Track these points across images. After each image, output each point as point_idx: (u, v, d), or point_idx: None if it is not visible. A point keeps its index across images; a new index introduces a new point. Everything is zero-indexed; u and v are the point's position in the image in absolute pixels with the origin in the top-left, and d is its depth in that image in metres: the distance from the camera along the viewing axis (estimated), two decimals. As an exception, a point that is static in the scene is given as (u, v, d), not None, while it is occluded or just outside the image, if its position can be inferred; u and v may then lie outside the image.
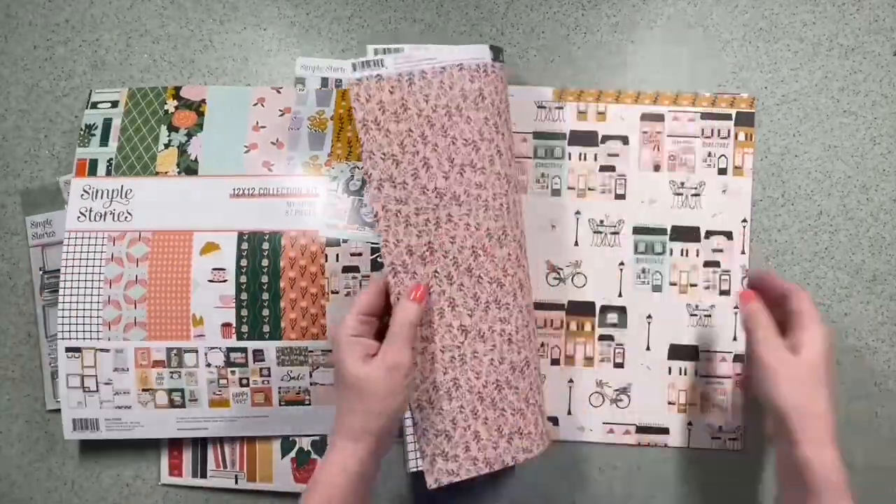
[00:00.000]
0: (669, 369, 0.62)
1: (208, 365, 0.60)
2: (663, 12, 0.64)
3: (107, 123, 0.63)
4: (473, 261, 0.53)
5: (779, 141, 0.63)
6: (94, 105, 0.63)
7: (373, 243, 0.61)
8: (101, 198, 0.61)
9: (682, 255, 0.62)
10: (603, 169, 0.62)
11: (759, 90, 0.63)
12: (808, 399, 0.47)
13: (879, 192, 0.63)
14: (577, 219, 0.62)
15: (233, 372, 0.60)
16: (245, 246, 0.61)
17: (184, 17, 0.66)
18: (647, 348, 0.62)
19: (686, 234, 0.62)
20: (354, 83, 0.52)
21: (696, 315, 0.62)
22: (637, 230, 0.62)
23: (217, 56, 0.65)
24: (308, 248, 0.61)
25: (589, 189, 0.62)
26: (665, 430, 0.61)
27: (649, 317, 0.62)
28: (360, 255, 0.61)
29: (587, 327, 0.62)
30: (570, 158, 0.63)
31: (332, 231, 0.61)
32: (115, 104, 0.63)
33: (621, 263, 0.62)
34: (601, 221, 0.62)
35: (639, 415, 0.61)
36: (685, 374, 0.62)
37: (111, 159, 0.62)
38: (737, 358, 0.61)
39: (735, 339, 0.61)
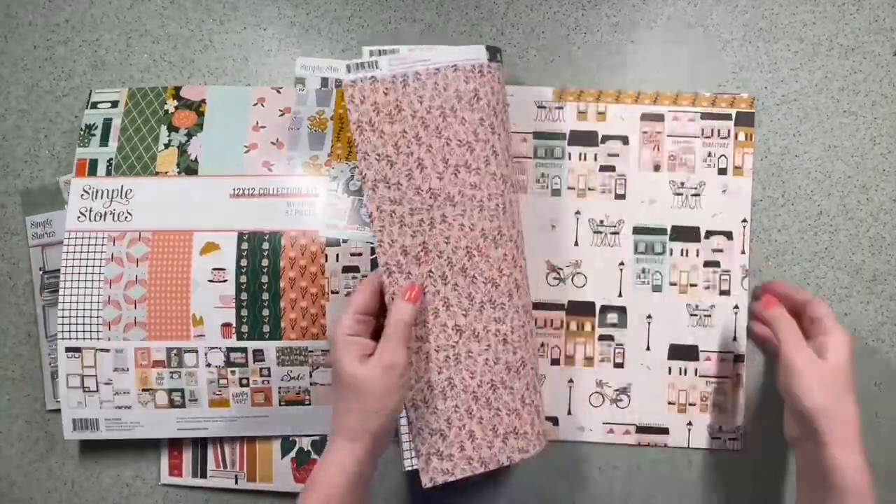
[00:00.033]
0: (669, 369, 0.61)
1: (208, 365, 0.60)
2: (663, 12, 0.64)
3: (107, 123, 0.63)
4: (468, 261, 0.53)
5: (779, 141, 0.63)
6: (94, 105, 0.63)
7: (372, 243, 0.61)
8: (101, 198, 0.61)
9: (682, 255, 0.62)
10: (603, 169, 0.62)
11: (759, 90, 0.63)
12: (838, 402, 0.48)
13: (879, 192, 0.63)
14: (577, 219, 0.62)
15: (233, 372, 0.60)
16: (245, 246, 0.61)
17: (184, 17, 0.66)
18: (647, 348, 0.62)
19: (686, 234, 0.62)
20: (349, 85, 0.53)
21: (696, 315, 0.62)
22: (637, 230, 0.62)
23: (217, 56, 0.65)
24: (308, 248, 0.61)
25: (589, 189, 0.62)
26: (665, 430, 0.61)
27: (649, 317, 0.62)
28: (360, 255, 0.61)
29: (587, 327, 0.62)
30: (570, 158, 0.63)
31: (332, 231, 0.61)
32: (115, 104, 0.63)
33: (621, 263, 0.62)
34: (601, 221, 0.62)
35: (639, 415, 0.61)
36: (685, 374, 0.61)
37: (111, 159, 0.62)
38: (737, 358, 0.61)
39: (735, 339, 0.61)
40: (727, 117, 0.62)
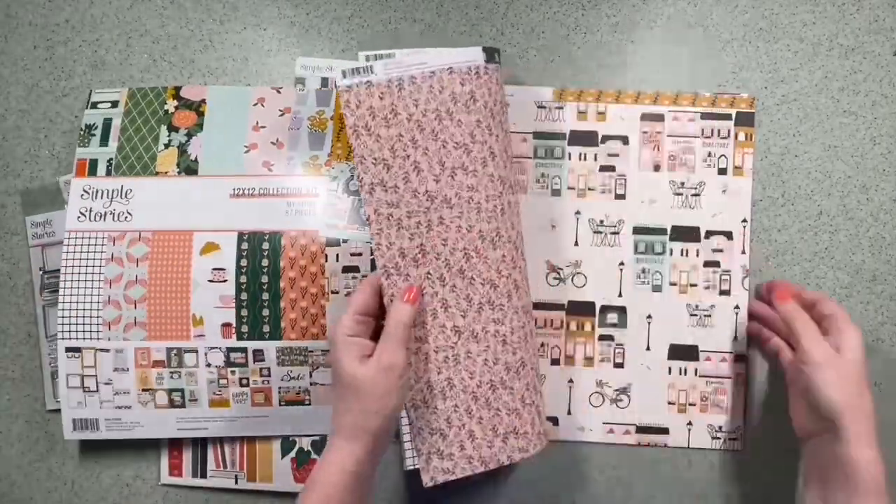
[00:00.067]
0: (669, 369, 0.61)
1: (208, 365, 0.60)
2: (663, 12, 0.64)
3: (107, 123, 0.63)
4: (466, 262, 0.53)
5: (779, 141, 0.63)
6: (94, 105, 0.63)
7: (372, 243, 0.61)
8: (101, 198, 0.61)
9: (682, 255, 0.62)
10: (603, 169, 0.62)
11: (759, 90, 0.63)
12: (859, 399, 0.49)
13: (879, 192, 0.63)
14: (577, 219, 0.62)
15: (233, 372, 0.60)
16: (245, 246, 0.61)
17: (184, 17, 0.66)
18: (647, 348, 0.62)
19: (686, 234, 0.62)
20: (344, 90, 0.53)
21: (696, 315, 0.61)
22: (637, 230, 0.62)
23: (217, 56, 0.65)
24: (308, 248, 0.61)
25: (589, 189, 0.62)
26: (665, 430, 0.61)
27: (649, 317, 0.62)
28: (360, 255, 0.61)
29: (587, 327, 0.62)
30: (569, 158, 0.63)
31: (332, 231, 0.61)
32: (115, 104, 0.63)
33: (621, 263, 0.62)
34: (601, 221, 0.62)
35: (639, 415, 0.61)
36: (685, 374, 0.61)
37: (111, 159, 0.62)
38: (738, 358, 0.61)
39: (735, 338, 0.61)
40: (727, 117, 0.62)
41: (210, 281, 0.60)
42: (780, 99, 0.63)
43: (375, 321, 0.53)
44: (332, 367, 0.50)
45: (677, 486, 0.62)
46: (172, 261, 0.60)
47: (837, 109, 0.63)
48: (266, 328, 0.60)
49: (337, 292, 0.61)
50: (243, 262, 0.60)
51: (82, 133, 0.62)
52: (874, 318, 0.62)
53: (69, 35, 0.66)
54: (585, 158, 0.62)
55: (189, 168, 0.62)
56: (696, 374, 0.61)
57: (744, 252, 0.62)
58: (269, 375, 0.60)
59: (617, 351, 0.62)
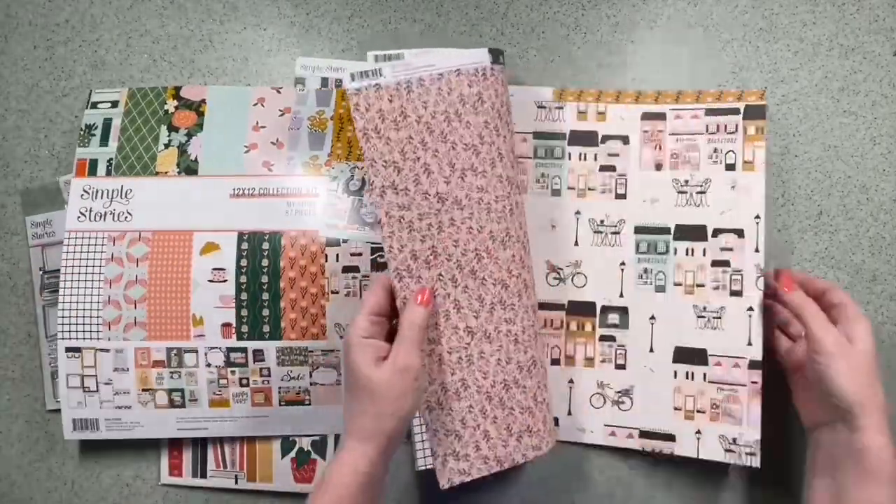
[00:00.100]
0: (675, 373, 0.59)
1: (208, 365, 0.60)
2: (663, 12, 0.64)
3: (107, 123, 0.63)
4: (477, 263, 0.54)
5: (779, 141, 0.63)
6: (94, 105, 0.63)
7: (373, 243, 0.61)
8: (101, 198, 0.61)
9: (686, 254, 0.60)
10: (603, 169, 0.62)
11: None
12: (872, 389, 0.49)
13: (879, 192, 0.63)
14: (577, 219, 0.62)
15: (233, 372, 0.60)
16: (245, 246, 0.61)
17: (184, 17, 0.66)
18: (651, 350, 0.60)
19: (691, 232, 0.60)
20: (353, 93, 0.53)
21: (703, 317, 0.59)
22: (639, 230, 0.61)
23: (217, 56, 0.65)
24: (308, 248, 0.61)
25: (589, 189, 0.62)
26: (671, 437, 0.59)
27: (652, 318, 0.60)
28: (360, 255, 0.61)
29: (587, 327, 0.61)
30: (569, 158, 0.62)
31: (332, 231, 0.61)
32: (115, 104, 0.63)
33: (622, 263, 0.61)
34: (601, 221, 0.62)
35: (642, 418, 0.60)
36: (692, 378, 0.59)
37: (111, 159, 0.62)
38: (752, 364, 0.57)
39: (750, 343, 0.57)
40: (734, 111, 0.60)
41: (210, 281, 0.60)
42: (780, 99, 0.63)
43: (389, 322, 0.53)
44: (345, 369, 0.50)
45: (677, 488, 0.61)
46: (172, 261, 0.60)
47: (837, 109, 0.63)
48: (266, 328, 0.60)
49: (337, 292, 0.61)
50: (243, 262, 0.60)
51: (82, 133, 0.62)
52: (874, 318, 0.62)
53: (69, 35, 0.66)
54: (585, 158, 0.62)
55: (189, 168, 0.62)
56: (704, 380, 0.58)
57: (758, 250, 0.58)
58: (269, 375, 0.60)
59: (618, 352, 0.61)
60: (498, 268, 0.54)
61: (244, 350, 0.60)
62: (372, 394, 0.47)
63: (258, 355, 0.60)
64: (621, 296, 0.61)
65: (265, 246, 0.61)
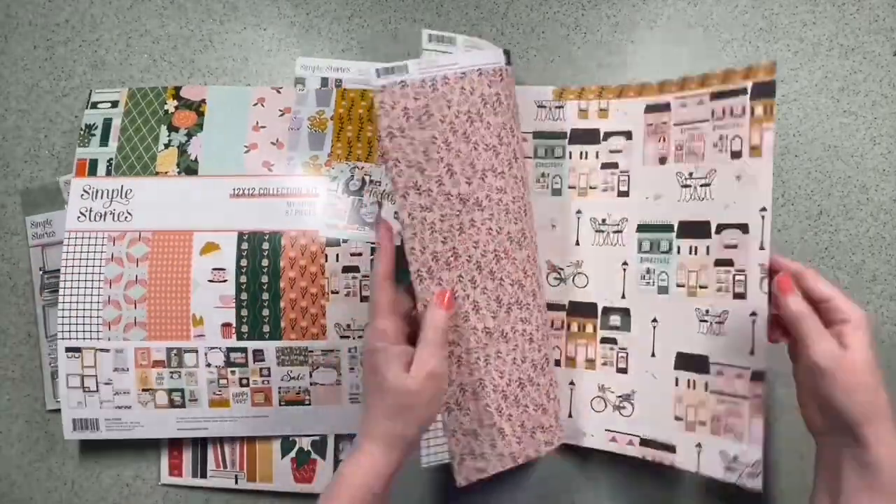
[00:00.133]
0: (676, 380, 0.55)
1: (208, 365, 0.60)
2: (663, 12, 0.64)
3: (107, 123, 0.62)
4: (496, 264, 0.54)
5: (779, 141, 0.63)
6: (94, 105, 0.63)
7: (372, 243, 0.61)
8: (101, 198, 0.61)
9: (690, 253, 0.55)
10: (605, 166, 0.60)
11: (760, 90, 0.63)
12: (875, 400, 0.46)
13: (879, 192, 0.63)
14: (578, 218, 0.61)
15: (233, 372, 0.60)
16: (245, 246, 0.61)
17: (184, 17, 0.66)
18: (653, 355, 0.57)
19: (695, 229, 0.55)
20: (379, 90, 0.51)
21: (706, 321, 0.54)
22: (641, 228, 0.58)
23: (217, 56, 0.65)
24: (308, 248, 0.61)
25: (590, 188, 0.61)
26: (671, 448, 0.55)
27: (654, 320, 0.57)
28: (360, 255, 0.61)
29: (588, 329, 0.60)
30: (570, 157, 0.62)
31: (332, 231, 0.61)
32: (115, 104, 0.63)
33: (624, 263, 0.59)
34: (603, 220, 0.60)
35: (643, 426, 0.57)
36: (693, 387, 0.54)
37: (111, 159, 0.62)
38: (755, 376, 0.51)
39: (752, 352, 0.51)
40: (742, 92, 0.53)
41: (210, 281, 0.60)
42: (780, 99, 0.63)
43: (403, 318, 0.52)
44: (369, 373, 0.48)
45: (678, 489, 0.61)
46: (172, 261, 0.60)
47: (837, 109, 0.63)
48: (266, 328, 0.60)
49: (337, 292, 0.61)
50: (243, 262, 0.60)
51: (82, 133, 0.62)
52: (874, 318, 0.62)
53: (69, 35, 0.66)
54: (587, 157, 0.61)
55: (189, 168, 0.62)
56: (706, 389, 0.53)
57: (763, 248, 0.51)
58: (269, 375, 0.60)
59: (620, 355, 0.59)
60: (515, 268, 0.54)
61: (244, 350, 0.60)
62: (402, 402, 0.47)
63: (258, 355, 0.60)
64: (623, 297, 0.59)
65: (265, 246, 0.61)
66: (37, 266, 0.64)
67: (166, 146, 0.62)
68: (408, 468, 0.60)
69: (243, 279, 0.60)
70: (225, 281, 0.60)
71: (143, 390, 0.60)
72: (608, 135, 0.60)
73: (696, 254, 0.55)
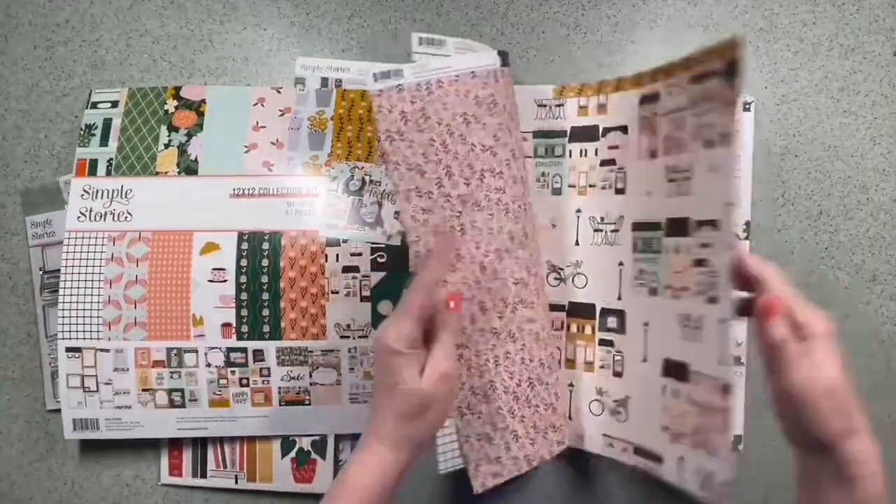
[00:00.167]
0: (663, 388, 0.51)
1: (208, 365, 0.60)
2: (663, 12, 0.64)
3: (107, 123, 0.62)
4: (499, 264, 0.54)
5: (779, 141, 0.63)
6: (94, 105, 0.63)
7: (372, 243, 0.61)
8: (101, 198, 0.61)
9: (676, 252, 0.51)
10: (604, 163, 0.59)
11: (759, 90, 0.63)
12: (851, 421, 0.44)
13: (879, 192, 0.63)
14: (578, 217, 0.61)
15: (233, 372, 0.60)
16: (245, 246, 0.61)
17: (184, 17, 0.66)
18: (644, 359, 0.54)
19: (678, 227, 0.51)
20: (375, 94, 0.52)
21: (687, 326, 0.49)
22: (636, 226, 0.56)
23: (217, 56, 0.65)
24: (308, 248, 0.61)
25: (590, 186, 0.60)
26: (659, 459, 0.52)
27: (646, 324, 0.54)
28: (360, 255, 0.61)
29: (587, 330, 0.60)
30: (570, 156, 0.61)
31: (332, 231, 0.61)
32: (115, 104, 0.63)
33: (620, 263, 0.58)
34: (602, 219, 0.59)
35: (636, 433, 0.55)
36: (678, 396, 0.50)
37: (111, 159, 0.62)
38: (724, 389, 0.46)
39: (722, 363, 0.46)
40: (714, 74, 0.46)
41: (210, 281, 0.60)
42: (780, 99, 0.63)
43: (422, 325, 0.50)
44: (384, 375, 0.48)
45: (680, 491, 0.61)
46: (172, 261, 0.60)
47: (837, 109, 0.63)
48: (266, 328, 0.60)
49: (337, 292, 0.61)
50: (243, 262, 0.60)
51: (82, 133, 0.62)
52: (874, 318, 0.62)
53: (69, 35, 0.66)
54: (586, 154, 0.60)
55: (189, 168, 0.62)
56: (688, 400, 0.49)
57: (729, 247, 0.45)
58: (269, 375, 0.60)
59: (616, 358, 0.58)
60: (518, 267, 0.54)
61: (244, 350, 0.60)
62: (417, 405, 0.46)
63: (258, 355, 0.60)
64: (619, 298, 0.57)
65: (265, 246, 0.61)
66: (37, 266, 0.64)
67: (166, 146, 0.62)
68: (415, 471, 0.60)
69: (243, 279, 0.60)
70: (225, 281, 0.60)
71: (143, 390, 0.60)
72: (607, 130, 0.59)
73: (679, 253, 0.50)
